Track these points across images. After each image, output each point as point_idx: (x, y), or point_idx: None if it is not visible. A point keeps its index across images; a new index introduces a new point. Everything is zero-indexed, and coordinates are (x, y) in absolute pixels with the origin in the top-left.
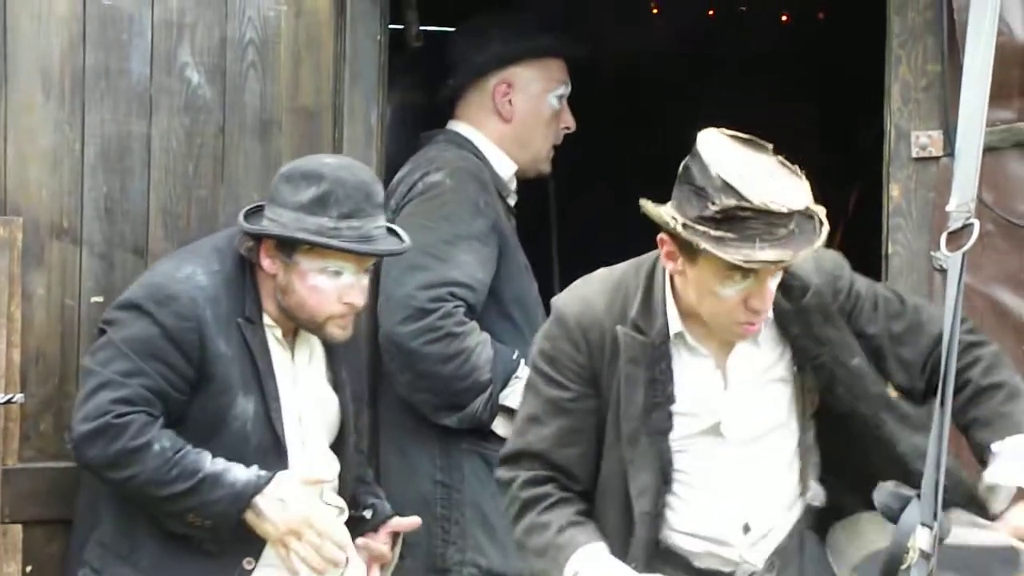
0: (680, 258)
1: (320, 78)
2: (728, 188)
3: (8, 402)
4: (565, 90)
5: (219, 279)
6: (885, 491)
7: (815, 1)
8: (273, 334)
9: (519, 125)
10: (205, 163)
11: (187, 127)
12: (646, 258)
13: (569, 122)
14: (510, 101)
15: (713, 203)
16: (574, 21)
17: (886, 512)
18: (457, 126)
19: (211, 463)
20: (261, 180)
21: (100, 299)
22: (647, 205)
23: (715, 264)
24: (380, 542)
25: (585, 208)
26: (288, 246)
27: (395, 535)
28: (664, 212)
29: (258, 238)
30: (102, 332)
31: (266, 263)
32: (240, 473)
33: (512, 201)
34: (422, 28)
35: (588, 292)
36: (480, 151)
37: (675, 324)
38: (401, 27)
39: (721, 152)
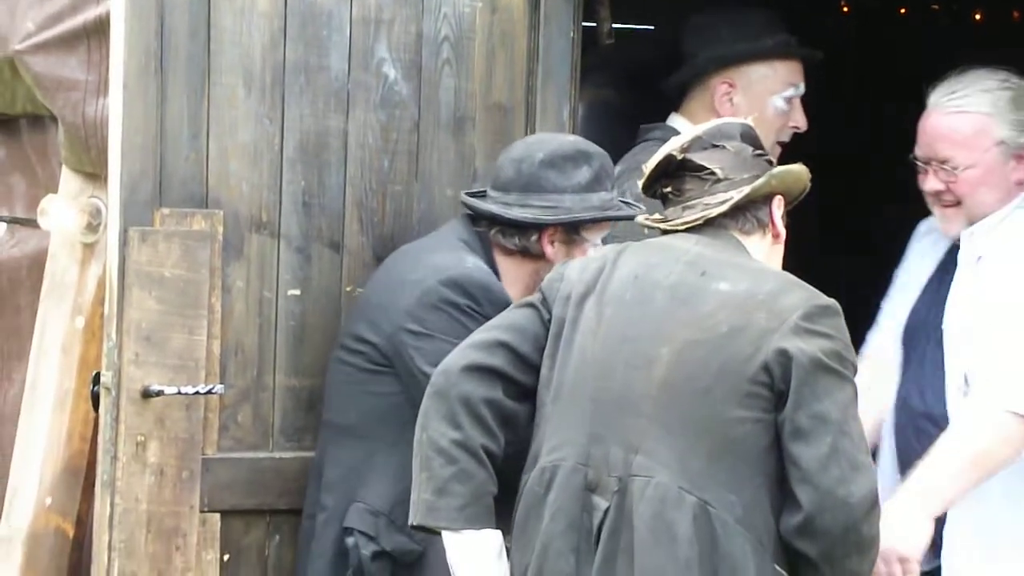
0: None
1: (513, 74)
2: None
3: (209, 392)
4: (795, 92)
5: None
6: None
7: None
8: None
9: None
10: (400, 159)
11: (383, 123)
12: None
13: (799, 122)
14: (731, 100)
15: None
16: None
17: None
18: (675, 121)
19: None
20: (454, 176)
21: (297, 292)
22: None
23: None
24: None
25: None
26: (573, 227)
27: None
28: None
29: (539, 227)
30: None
31: (550, 249)
32: None
33: None
34: (614, 26)
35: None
36: None
37: None
38: (593, 24)
39: None
